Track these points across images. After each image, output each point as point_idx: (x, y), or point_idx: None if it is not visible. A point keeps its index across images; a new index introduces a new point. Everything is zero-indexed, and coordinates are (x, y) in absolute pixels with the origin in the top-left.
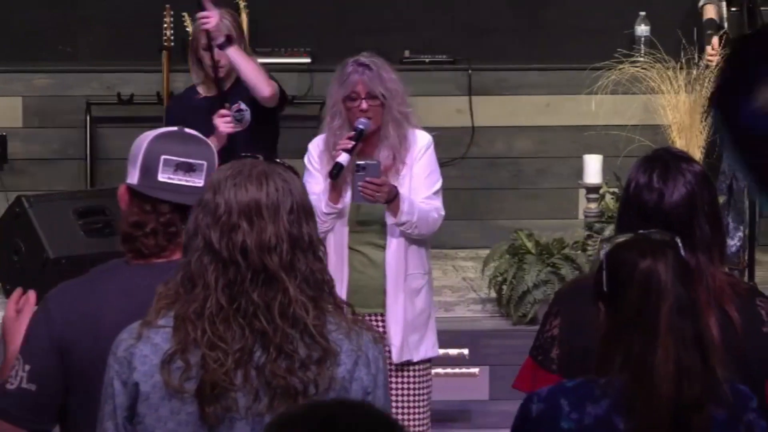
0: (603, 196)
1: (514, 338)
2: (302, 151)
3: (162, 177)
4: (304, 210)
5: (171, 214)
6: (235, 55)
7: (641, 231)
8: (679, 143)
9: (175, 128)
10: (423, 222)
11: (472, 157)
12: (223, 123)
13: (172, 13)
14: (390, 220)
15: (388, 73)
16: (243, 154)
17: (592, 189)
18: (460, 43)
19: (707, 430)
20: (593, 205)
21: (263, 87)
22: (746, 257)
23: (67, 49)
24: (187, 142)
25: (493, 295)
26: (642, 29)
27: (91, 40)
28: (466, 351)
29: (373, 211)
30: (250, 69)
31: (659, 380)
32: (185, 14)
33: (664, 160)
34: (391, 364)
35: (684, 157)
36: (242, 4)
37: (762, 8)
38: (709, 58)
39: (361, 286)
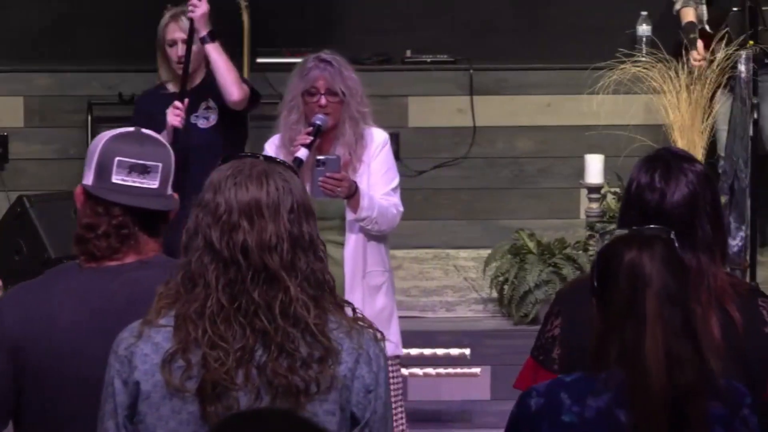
0: (604, 196)
1: (516, 338)
2: None
3: (116, 179)
4: (305, 209)
5: (123, 217)
6: (213, 51)
7: (634, 227)
8: (681, 143)
9: (131, 129)
10: (383, 217)
11: (473, 157)
12: (172, 115)
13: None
14: (350, 215)
15: (348, 71)
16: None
17: (594, 189)
18: (461, 43)
19: (704, 421)
20: (595, 205)
21: (234, 90)
22: (748, 257)
23: (67, 49)
24: (143, 143)
25: (495, 295)
26: (643, 29)
27: (91, 40)
28: (467, 351)
29: (329, 207)
30: (225, 69)
31: (650, 369)
32: None
33: (666, 159)
34: None
35: (686, 157)
36: (244, 4)
37: (764, 8)
38: (695, 62)
39: None
